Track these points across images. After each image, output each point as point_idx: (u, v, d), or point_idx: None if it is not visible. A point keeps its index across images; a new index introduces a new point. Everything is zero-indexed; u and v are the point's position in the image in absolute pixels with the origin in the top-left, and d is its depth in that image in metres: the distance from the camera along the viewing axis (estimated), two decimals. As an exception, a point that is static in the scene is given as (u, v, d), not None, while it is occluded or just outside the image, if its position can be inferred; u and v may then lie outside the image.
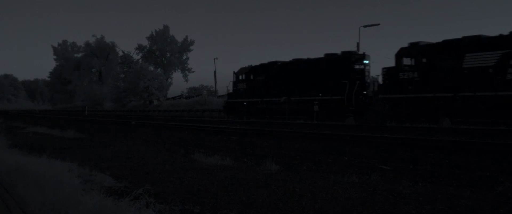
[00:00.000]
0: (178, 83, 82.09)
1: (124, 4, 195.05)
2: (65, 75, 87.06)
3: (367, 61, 23.78)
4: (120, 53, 76.73)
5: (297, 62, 26.97)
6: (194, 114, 42.21)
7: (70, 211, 3.92)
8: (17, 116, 47.97)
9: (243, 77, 30.57)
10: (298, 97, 25.58)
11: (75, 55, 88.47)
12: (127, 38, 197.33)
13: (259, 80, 29.10)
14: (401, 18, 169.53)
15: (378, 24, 36.40)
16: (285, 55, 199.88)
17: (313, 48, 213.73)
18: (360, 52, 24.02)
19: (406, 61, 20.34)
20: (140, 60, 72.77)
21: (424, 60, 19.66)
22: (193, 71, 74.65)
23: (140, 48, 74.21)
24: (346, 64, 23.50)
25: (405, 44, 20.70)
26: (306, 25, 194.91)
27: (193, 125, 22.15)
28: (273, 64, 28.43)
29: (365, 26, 35.67)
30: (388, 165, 7.51)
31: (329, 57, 24.87)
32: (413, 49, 20.24)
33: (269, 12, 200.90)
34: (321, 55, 25.45)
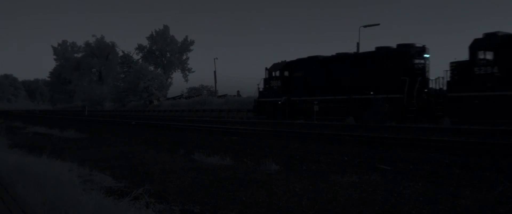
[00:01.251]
0: (178, 83, 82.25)
1: (124, 4, 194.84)
2: (65, 75, 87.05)
3: (427, 55, 21.36)
4: (120, 53, 76.77)
5: (342, 57, 24.61)
6: (194, 114, 42.21)
7: (70, 211, 3.93)
8: (17, 116, 47.97)
9: (277, 74, 27.72)
10: (345, 95, 22.96)
11: (75, 55, 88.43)
12: (127, 38, 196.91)
13: (296, 77, 26.47)
14: (401, 18, 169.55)
15: (378, 24, 36.47)
16: (285, 55, 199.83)
17: (314, 48, 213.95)
18: (419, 45, 21.54)
19: (482, 54, 18.07)
20: (140, 60, 72.77)
21: (506, 53, 17.44)
22: (193, 71, 74.73)
23: (140, 48, 74.21)
24: (404, 58, 21.16)
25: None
26: (306, 25, 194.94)
27: (193, 125, 22.14)
28: (313, 59, 25.97)
29: (365, 26, 35.70)
30: (388, 165, 7.50)
31: (382, 51, 22.56)
32: (492, 41, 17.93)
33: (269, 12, 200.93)
34: (372, 48, 22.98)
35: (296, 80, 26.49)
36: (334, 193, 5.31)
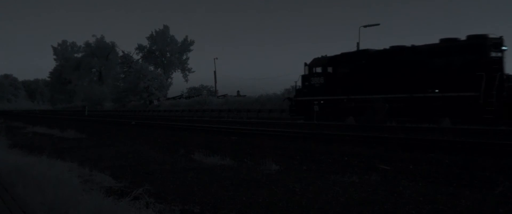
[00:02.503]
0: (178, 83, 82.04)
1: (124, 4, 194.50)
2: (65, 75, 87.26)
3: (505, 47, 18.73)
4: (120, 53, 76.83)
5: (397, 51, 21.92)
6: (194, 114, 42.21)
7: (70, 211, 3.93)
8: (17, 116, 47.97)
9: (319, 70, 24.86)
10: (404, 94, 20.45)
11: (75, 55, 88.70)
12: (127, 38, 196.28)
13: (342, 74, 23.67)
14: (401, 18, 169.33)
15: (378, 24, 36.42)
16: (285, 55, 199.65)
17: (313, 48, 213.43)
18: (495, 35, 18.90)
19: None
20: (140, 60, 72.82)
21: None
22: (193, 71, 74.88)
23: (140, 48, 74.30)
24: (479, 51, 18.58)
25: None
26: (306, 25, 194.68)
27: (193, 125, 22.14)
28: (362, 53, 23.65)
29: (365, 26, 35.65)
30: (388, 165, 7.50)
31: (449, 43, 19.88)
32: None
33: (269, 12, 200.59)
34: (436, 41, 20.44)
35: (342, 77, 23.68)
36: (334, 193, 5.31)
